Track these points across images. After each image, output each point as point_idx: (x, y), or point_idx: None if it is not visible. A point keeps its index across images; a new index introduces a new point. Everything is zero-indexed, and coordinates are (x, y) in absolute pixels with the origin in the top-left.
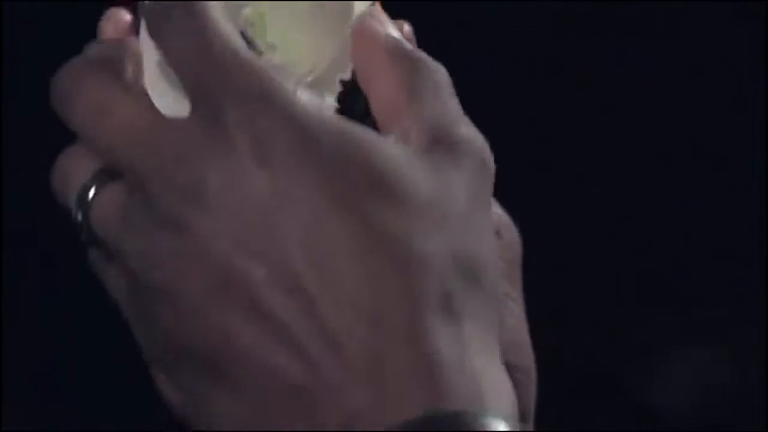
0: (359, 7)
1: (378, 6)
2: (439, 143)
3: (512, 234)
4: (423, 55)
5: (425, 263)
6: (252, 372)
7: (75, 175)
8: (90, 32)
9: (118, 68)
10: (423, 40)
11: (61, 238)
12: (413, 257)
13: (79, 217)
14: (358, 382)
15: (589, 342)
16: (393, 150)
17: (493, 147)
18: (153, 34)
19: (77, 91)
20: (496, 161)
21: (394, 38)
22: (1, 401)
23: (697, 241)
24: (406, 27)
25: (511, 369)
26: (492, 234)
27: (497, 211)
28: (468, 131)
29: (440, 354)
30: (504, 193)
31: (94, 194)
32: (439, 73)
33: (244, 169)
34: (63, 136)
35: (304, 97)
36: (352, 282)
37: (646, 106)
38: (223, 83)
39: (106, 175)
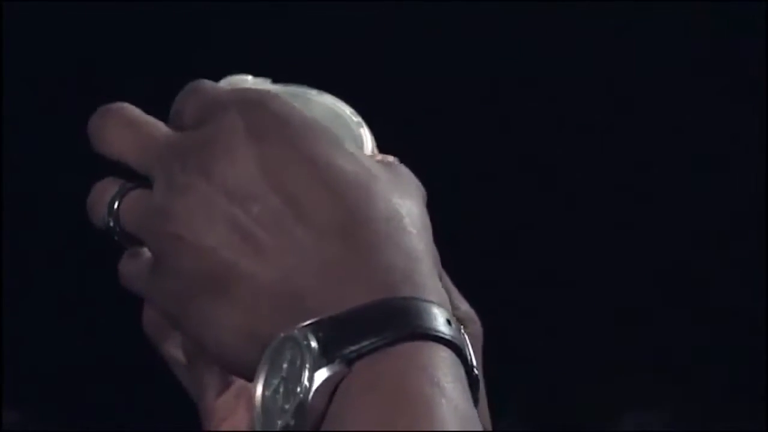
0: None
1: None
2: (392, 166)
3: (476, 326)
4: None
5: (388, 204)
6: (246, 286)
7: (105, 193)
8: (90, 33)
9: (131, 108)
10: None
11: (61, 239)
12: (378, 197)
13: (111, 222)
14: (326, 285)
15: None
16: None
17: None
18: (174, 109)
19: (109, 120)
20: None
21: None
22: (1, 401)
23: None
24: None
25: None
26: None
27: (463, 305)
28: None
29: (395, 263)
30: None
31: (122, 199)
32: None
33: (238, 150)
34: (62, 136)
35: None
36: (323, 215)
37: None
38: (222, 102)
39: (129, 187)
